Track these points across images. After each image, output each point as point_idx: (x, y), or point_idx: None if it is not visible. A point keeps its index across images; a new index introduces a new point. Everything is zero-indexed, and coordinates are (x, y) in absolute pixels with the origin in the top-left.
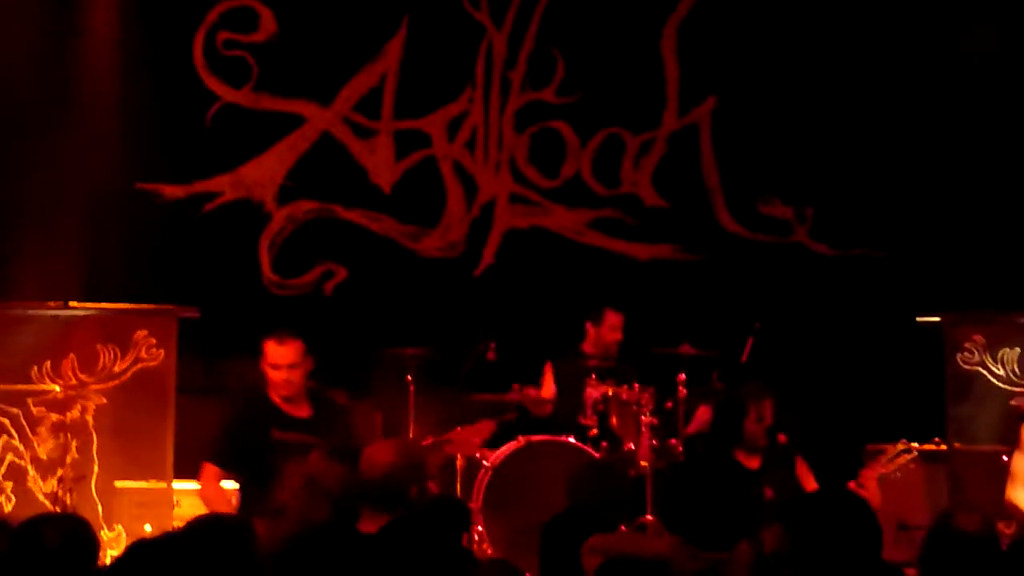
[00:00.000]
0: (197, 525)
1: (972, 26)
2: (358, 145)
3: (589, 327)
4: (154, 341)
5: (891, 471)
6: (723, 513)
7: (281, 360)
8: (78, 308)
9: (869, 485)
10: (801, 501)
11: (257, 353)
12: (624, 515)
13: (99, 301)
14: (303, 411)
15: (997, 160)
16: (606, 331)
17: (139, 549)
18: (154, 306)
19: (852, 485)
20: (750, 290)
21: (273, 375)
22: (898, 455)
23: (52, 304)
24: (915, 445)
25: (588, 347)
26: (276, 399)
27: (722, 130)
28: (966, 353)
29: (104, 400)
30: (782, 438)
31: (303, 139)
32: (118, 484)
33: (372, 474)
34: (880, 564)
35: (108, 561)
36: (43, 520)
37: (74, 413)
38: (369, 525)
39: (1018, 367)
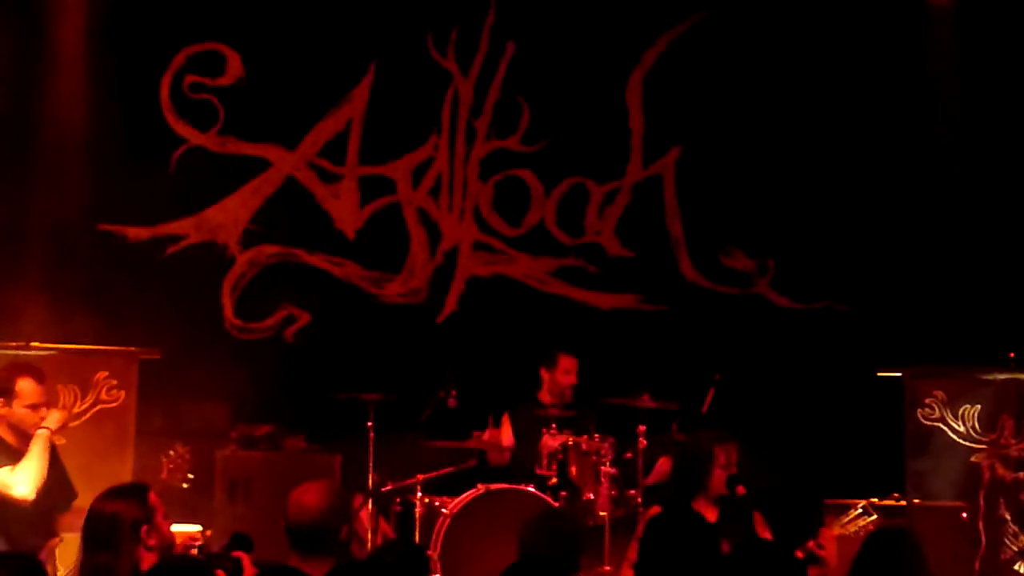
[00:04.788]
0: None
1: (929, 79)
2: (323, 190)
3: (543, 373)
4: (115, 382)
5: (851, 532)
6: (681, 567)
7: None
8: (39, 348)
9: (828, 546)
10: (747, 556)
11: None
12: (577, 565)
13: (61, 342)
14: None
15: (960, 217)
16: (560, 375)
17: None
18: (115, 347)
19: (811, 545)
20: (711, 341)
21: None
22: (858, 516)
23: (14, 344)
24: (875, 500)
25: (544, 396)
26: None
27: (686, 181)
28: (926, 408)
29: (64, 441)
30: (741, 490)
31: (268, 183)
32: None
33: (301, 518)
34: None
35: None
36: None
37: None
38: (313, 569)
39: (978, 424)
